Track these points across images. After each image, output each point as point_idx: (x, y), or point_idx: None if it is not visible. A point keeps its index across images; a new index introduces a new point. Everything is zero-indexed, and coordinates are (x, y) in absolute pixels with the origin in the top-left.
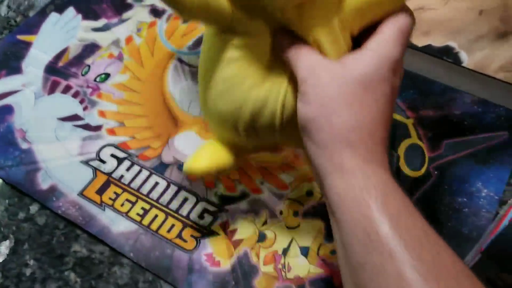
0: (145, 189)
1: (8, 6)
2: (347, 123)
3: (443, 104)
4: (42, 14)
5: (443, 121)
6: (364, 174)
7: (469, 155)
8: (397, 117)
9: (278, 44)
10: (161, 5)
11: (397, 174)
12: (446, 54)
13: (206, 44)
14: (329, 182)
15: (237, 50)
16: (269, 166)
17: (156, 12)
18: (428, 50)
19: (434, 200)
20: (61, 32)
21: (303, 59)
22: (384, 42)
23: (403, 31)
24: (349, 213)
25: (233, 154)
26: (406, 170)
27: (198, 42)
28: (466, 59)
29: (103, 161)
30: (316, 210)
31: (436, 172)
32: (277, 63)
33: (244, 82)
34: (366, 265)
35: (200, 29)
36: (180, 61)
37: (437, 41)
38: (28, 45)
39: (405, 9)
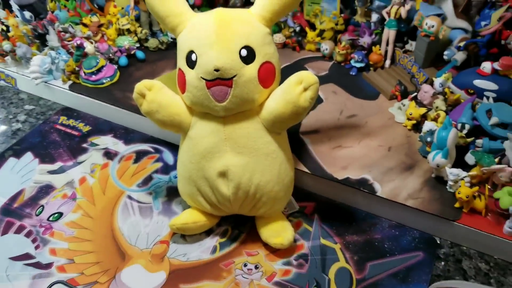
0: None
1: None
2: None
3: (365, 229)
4: (1, 159)
5: (367, 244)
6: None
7: (391, 275)
8: (326, 242)
9: None
10: (114, 148)
11: None
12: (363, 185)
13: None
14: None
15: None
16: None
17: (109, 155)
18: (347, 182)
19: None
20: (18, 175)
21: None
22: None
23: None
24: None
25: (206, 217)
26: None
27: (146, 181)
28: (380, 189)
29: None
30: None
31: None
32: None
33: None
34: None
35: (148, 169)
36: (130, 198)
37: (354, 174)
38: None
39: None
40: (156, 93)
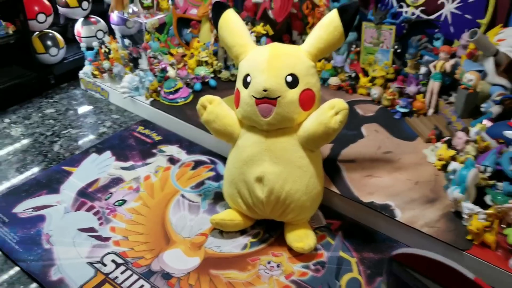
0: None
1: (61, 145)
2: None
3: (382, 249)
4: (85, 153)
5: (381, 262)
6: None
7: None
8: (344, 255)
9: None
10: (177, 156)
11: None
12: (385, 210)
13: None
14: None
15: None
16: (235, 282)
17: (172, 161)
18: (370, 205)
19: None
20: (96, 167)
21: None
22: None
23: None
24: None
25: (242, 217)
26: None
27: (199, 185)
28: (400, 215)
29: (104, 264)
30: None
31: None
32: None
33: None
34: None
35: (203, 175)
36: (183, 196)
37: (379, 200)
38: (69, 174)
39: None
40: (215, 106)
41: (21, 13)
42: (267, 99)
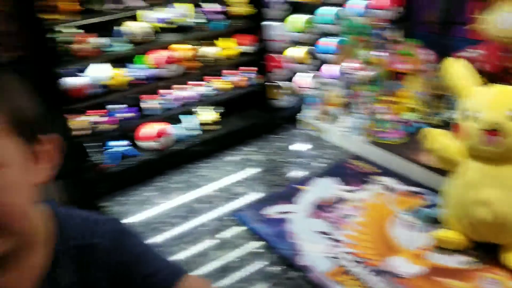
0: (366, 281)
1: (292, 169)
2: None
3: None
4: (313, 176)
5: None
6: None
7: None
8: None
9: None
10: (391, 185)
11: None
12: None
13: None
14: None
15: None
16: None
17: (387, 188)
18: None
19: None
20: (324, 188)
21: None
22: None
23: None
24: None
25: (462, 237)
26: None
27: (411, 209)
28: None
29: (341, 260)
30: None
31: None
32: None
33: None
34: None
35: (414, 202)
36: (399, 216)
37: None
38: (301, 191)
39: None
40: (441, 137)
41: (264, 68)
42: (494, 131)
